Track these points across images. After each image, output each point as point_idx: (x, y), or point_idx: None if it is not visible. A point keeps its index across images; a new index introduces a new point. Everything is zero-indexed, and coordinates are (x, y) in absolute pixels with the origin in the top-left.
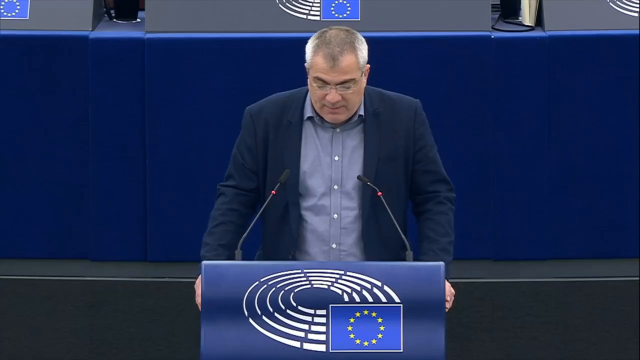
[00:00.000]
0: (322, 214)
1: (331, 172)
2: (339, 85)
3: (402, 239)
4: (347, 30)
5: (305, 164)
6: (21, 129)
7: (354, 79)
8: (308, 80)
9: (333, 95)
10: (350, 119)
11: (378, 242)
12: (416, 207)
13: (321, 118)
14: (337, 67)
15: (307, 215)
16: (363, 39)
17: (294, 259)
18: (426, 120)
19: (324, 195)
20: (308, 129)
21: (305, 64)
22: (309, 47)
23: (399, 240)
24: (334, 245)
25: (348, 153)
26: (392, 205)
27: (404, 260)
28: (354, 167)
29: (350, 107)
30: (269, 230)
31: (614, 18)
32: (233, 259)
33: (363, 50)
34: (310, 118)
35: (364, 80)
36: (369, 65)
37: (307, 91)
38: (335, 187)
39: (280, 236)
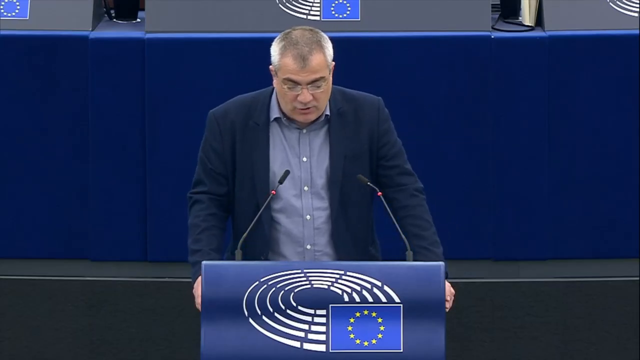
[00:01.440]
0: (294, 216)
1: (300, 173)
2: (310, 85)
3: (368, 234)
4: (311, 30)
5: (275, 166)
6: (21, 129)
7: (323, 77)
8: (275, 82)
9: (305, 95)
10: (316, 119)
11: (349, 240)
12: (389, 203)
13: (288, 119)
14: (308, 66)
15: (279, 217)
16: (327, 38)
17: (266, 260)
18: (389, 116)
19: (295, 197)
20: (275, 130)
21: (271, 67)
22: (274, 49)
23: (367, 237)
24: (308, 246)
25: (315, 153)
26: (359, 203)
27: (372, 256)
28: (322, 166)
29: (320, 106)
30: (239, 232)
31: (614, 18)
32: None
33: (329, 48)
34: (276, 119)
35: (331, 78)
36: (334, 63)
37: (272, 92)
38: (306, 188)
39: (252, 238)
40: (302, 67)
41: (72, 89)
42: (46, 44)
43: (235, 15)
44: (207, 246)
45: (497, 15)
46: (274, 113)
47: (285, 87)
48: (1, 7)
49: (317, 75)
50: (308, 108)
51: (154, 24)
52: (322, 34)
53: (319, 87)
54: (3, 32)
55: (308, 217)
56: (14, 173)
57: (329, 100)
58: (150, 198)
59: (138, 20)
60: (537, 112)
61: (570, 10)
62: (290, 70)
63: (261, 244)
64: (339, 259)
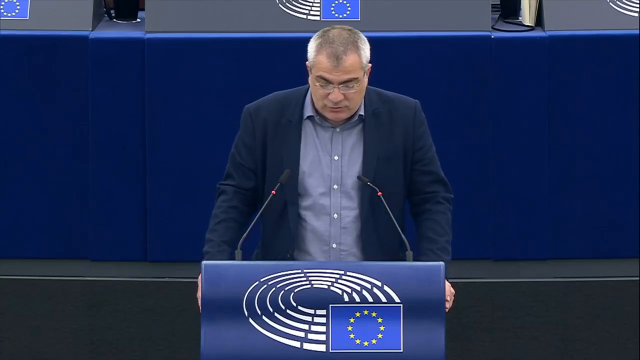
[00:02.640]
0: (321, 214)
1: (331, 172)
2: (342, 85)
3: (401, 239)
4: (350, 30)
5: (305, 163)
6: (21, 129)
7: (356, 79)
8: (310, 79)
9: (336, 95)
10: (350, 118)
11: (376, 242)
12: (414, 208)
13: (321, 117)
14: (341, 66)
15: (307, 215)
16: (365, 39)
17: (292, 258)
18: (425, 120)
19: (323, 195)
20: (307, 128)
21: (307, 63)
22: (311, 46)
23: (396, 241)
24: (334, 245)
25: (347, 152)
26: (390, 205)
27: (402, 260)
28: (354, 166)
29: (352, 106)
30: (267, 230)
31: (614, 18)
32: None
33: (366, 49)
34: (310, 117)
35: (366, 79)
36: (370, 65)
37: (307, 90)
38: (335, 186)
39: (279, 235)
40: (335, 66)
41: (72, 89)
42: (46, 44)
43: (235, 15)
44: (219, 237)
45: (497, 15)
46: (308, 111)
47: (318, 84)
48: (1, 7)
49: (350, 76)
50: (339, 107)
51: (154, 24)
52: (361, 35)
53: (351, 87)
54: (3, 32)
55: (335, 215)
56: (14, 173)
57: (364, 100)
58: (150, 198)
59: (138, 20)
60: (537, 112)
61: (570, 10)
62: (324, 68)
63: (287, 241)
64: (366, 260)
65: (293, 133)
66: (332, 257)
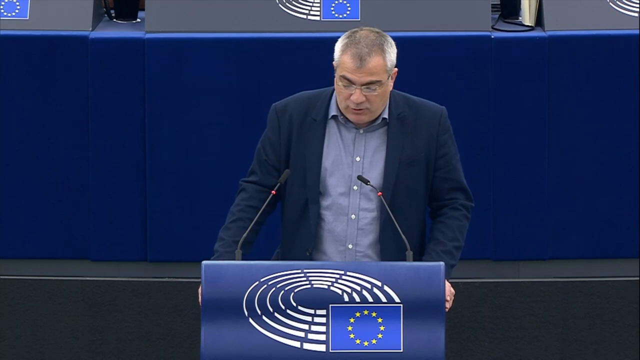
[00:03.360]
0: (340, 214)
1: (351, 172)
2: (364, 86)
3: (420, 242)
4: (377, 32)
5: (327, 162)
6: (21, 129)
7: (379, 81)
8: (335, 78)
9: (357, 96)
10: (374, 121)
11: (394, 246)
12: (432, 213)
13: (345, 118)
14: (364, 67)
15: (325, 214)
16: (393, 43)
17: (310, 256)
18: (450, 128)
19: (342, 195)
20: (332, 128)
21: (333, 62)
22: (338, 46)
23: (416, 245)
24: (350, 246)
25: (370, 155)
26: (410, 210)
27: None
28: (375, 169)
29: (373, 109)
30: (287, 228)
31: (614, 18)
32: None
33: (392, 53)
34: (334, 117)
35: (391, 83)
36: (396, 69)
37: (333, 90)
38: (355, 187)
39: (299, 234)
40: (359, 67)
41: (72, 89)
42: (46, 44)
43: (235, 15)
44: (232, 237)
45: (497, 15)
46: (333, 110)
47: (341, 84)
48: (1, 7)
49: (373, 78)
50: (360, 109)
51: (154, 24)
52: (389, 38)
53: (373, 90)
54: (3, 32)
55: (353, 216)
56: (14, 173)
57: (390, 104)
58: (150, 198)
59: (138, 20)
60: (537, 112)
61: (570, 10)
62: (347, 68)
63: (307, 239)
64: (383, 259)
65: (317, 132)
66: (348, 258)
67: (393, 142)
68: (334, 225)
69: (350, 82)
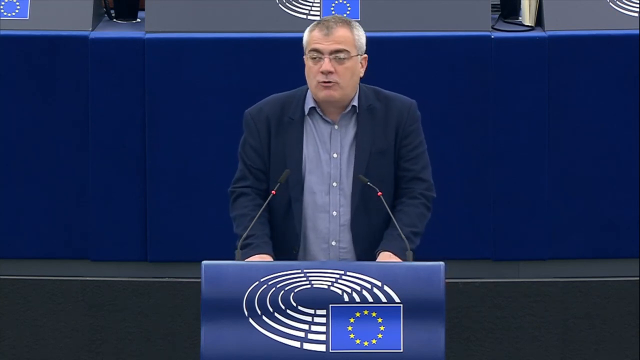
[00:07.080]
0: (321, 211)
1: (330, 169)
2: (332, 55)
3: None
4: (346, 17)
5: (307, 160)
6: (21, 129)
7: (347, 51)
8: (305, 67)
9: (326, 64)
10: (344, 108)
11: (366, 236)
12: (394, 202)
13: (322, 110)
14: (331, 35)
15: (308, 213)
16: (361, 29)
17: (297, 254)
18: (419, 120)
19: (323, 193)
20: (308, 126)
21: (304, 56)
22: (305, 33)
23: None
24: (333, 243)
25: (346, 150)
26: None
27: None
28: (352, 164)
29: (342, 84)
30: (274, 228)
31: (614, 18)
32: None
33: (360, 34)
34: (311, 112)
35: (361, 68)
36: (366, 56)
37: (307, 89)
38: (335, 184)
39: (284, 233)
40: (326, 34)
41: (72, 89)
42: (46, 44)
43: (235, 15)
44: (260, 231)
45: (497, 15)
46: (309, 104)
47: (311, 61)
48: (1, 7)
49: (340, 46)
50: (329, 82)
51: (154, 24)
52: (357, 24)
53: (341, 60)
54: (3, 32)
55: (334, 213)
56: (13, 173)
57: (359, 96)
58: (150, 198)
59: (138, 20)
60: (537, 112)
61: (570, 10)
62: (315, 39)
63: (292, 238)
64: (357, 253)
65: (295, 130)
66: (332, 256)
67: (363, 132)
68: (317, 223)
69: (319, 53)
